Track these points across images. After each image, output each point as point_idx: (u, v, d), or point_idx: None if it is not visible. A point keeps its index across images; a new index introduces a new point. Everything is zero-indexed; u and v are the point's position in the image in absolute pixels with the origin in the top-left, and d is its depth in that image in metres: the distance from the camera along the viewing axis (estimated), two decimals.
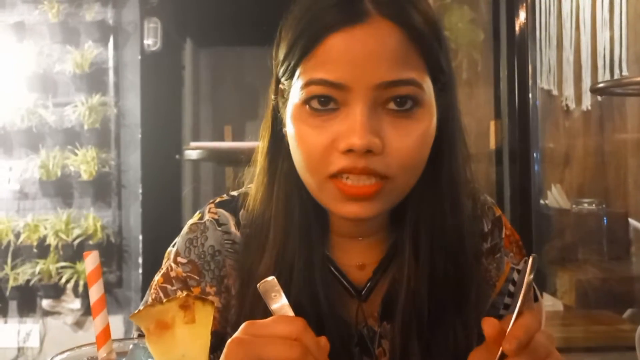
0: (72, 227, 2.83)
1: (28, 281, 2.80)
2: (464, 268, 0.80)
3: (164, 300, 0.41)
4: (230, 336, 0.79)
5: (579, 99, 3.25)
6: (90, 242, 2.84)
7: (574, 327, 2.59)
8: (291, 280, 0.77)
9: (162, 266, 0.85)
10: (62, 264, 2.79)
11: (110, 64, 2.91)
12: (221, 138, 3.52)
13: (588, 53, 3.25)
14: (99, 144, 2.89)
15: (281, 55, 0.76)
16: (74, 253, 2.81)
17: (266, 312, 0.68)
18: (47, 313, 2.94)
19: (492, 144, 2.18)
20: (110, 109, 2.89)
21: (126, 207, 2.95)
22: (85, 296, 2.99)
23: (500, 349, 0.60)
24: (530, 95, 2.12)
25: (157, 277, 0.84)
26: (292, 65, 0.73)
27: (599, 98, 3.05)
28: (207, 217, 0.85)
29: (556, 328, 2.52)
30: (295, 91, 0.72)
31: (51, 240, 2.76)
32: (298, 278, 0.77)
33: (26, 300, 2.90)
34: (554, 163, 3.17)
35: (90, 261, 0.42)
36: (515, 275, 0.88)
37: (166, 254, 0.86)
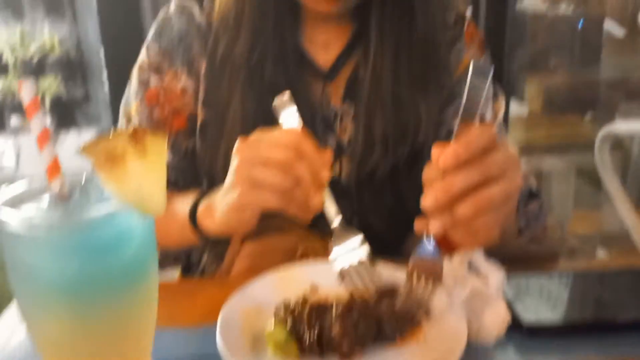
0: (29, 43, 2.69)
1: None
2: (428, 49, 0.84)
3: (112, 133, 0.39)
4: (200, 115, 0.86)
5: None
6: (50, 59, 2.72)
7: (537, 130, 2.68)
8: (265, 63, 0.81)
9: (138, 59, 0.90)
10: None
11: None
12: None
13: None
14: None
15: None
16: (34, 70, 2.71)
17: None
18: (17, 131, 2.92)
19: None
20: None
21: (82, 19, 2.78)
22: (53, 112, 2.95)
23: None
24: None
25: (134, 69, 0.90)
26: None
27: None
28: (172, 8, 0.90)
29: (520, 132, 2.60)
30: None
31: (8, 57, 2.64)
32: (273, 62, 0.81)
33: None
34: None
35: (26, 91, 0.39)
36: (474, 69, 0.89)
37: (140, 55, 0.91)
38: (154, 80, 0.88)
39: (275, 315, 0.60)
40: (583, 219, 2.50)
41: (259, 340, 0.59)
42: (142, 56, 0.90)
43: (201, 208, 0.74)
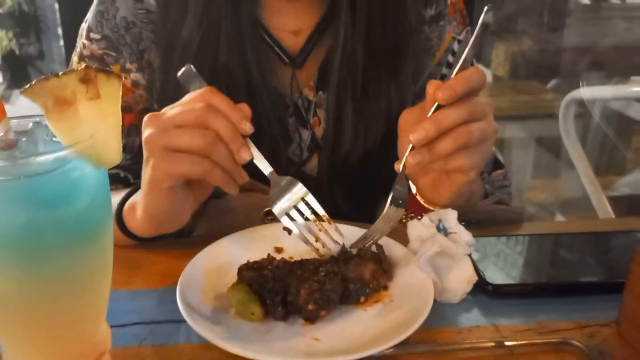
0: None
1: None
2: (402, 34, 0.78)
3: (60, 73, 0.35)
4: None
5: None
6: (0, 10, 2.59)
7: (501, 97, 2.70)
8: (218, 44, 0.72)
9: (77, 44, 0.79)
10: None
11: None
12: None
13: None
14: None
15: None
16: None
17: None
18: None
19: None
20: None
21: None
22: (6, 69, 2.82)
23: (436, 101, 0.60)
24: None
25: (74, 57, 0.79)
26: None
27: None
28: None
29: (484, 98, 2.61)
30: None
31: None
32: (225, 41, 0.72)
33: None
34: None
35: None
36: (456, 46, 0.86)
37: (79, 31, 0.79)
38: None
39: (239, 274, 0.58)
40: (542, 186, 2.55)
41: (222, 300, 0.57)
42: (82, 44, 0.78)
43: (127, 206, 0.66)
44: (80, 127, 0.36)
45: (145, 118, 0.59)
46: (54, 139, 0.38)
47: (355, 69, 0.76)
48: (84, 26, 0.79)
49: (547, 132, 2.50)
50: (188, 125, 0.57)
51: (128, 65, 0.78)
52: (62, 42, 2.75)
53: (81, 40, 0.79)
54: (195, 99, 0.59)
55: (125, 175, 0.79)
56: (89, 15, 0.79)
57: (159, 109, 0.77)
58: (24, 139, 0.38)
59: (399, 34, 0.78)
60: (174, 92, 0.68)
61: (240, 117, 0.59)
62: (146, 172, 0.60)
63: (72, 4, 2.69)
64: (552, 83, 2.75)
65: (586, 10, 2.73)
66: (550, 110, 2.26)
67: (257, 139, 0.61)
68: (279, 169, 0.63)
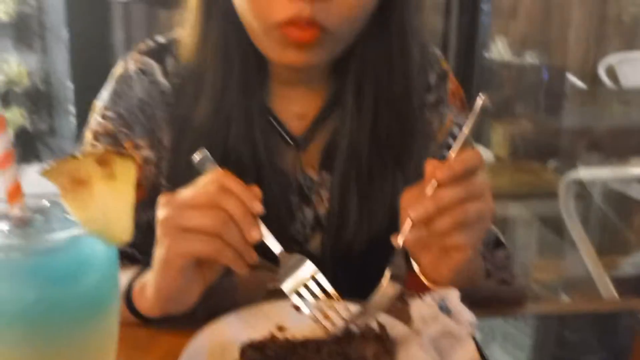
0: None
1: None
2: (408, 120, 0.80)
3: (79, 155, 0.37)
4: (164, 189, 0.78)
5: None
6: (17, 89, 2.68)
7: (502, 177, 2.74)
8: (229, 130, 0.75)
9: (90, 121, 0.81)
10: None
11: None
12: None
13: None
14: None
15: None
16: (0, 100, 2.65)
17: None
18: None
19: None
20: None
21: (51, 51, 2.75)
22: (17, 145, 2.89)
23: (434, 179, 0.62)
24: None
25: (87, 134, 0.81)
26: None
27: None
28: (131, 67, 0.80)
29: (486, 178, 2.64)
30: None
31: None
32: (237, 127, 0.75)
33: None
34: (501, 14, 3.11)
35: None
36: (457, 130, 0.88)
37: (93, 108, 0.82)
38: None
39: (242, 354, 0.58)
40: (545, 266, 2.54)
41: None
42: (97, 121, 0.80)
43: (136, 287, 0.66)
44: (94, 206, 0.37)
45: (160, 199, 0.61)
46: (67, 217, 0.39)
47: (360, 155, 0.78)
48: (99, 104, 0.82)
49: (549, 211, 2.51)
50: (201, 206, 0.59)
51: (140, 142, 0.79)
52: (72, 120, 2.83)
53: (95, 117, 0.81)
54: (208, 181, 0.61)
55: (132, 252, 0.80)
56: (104, 94, 0.81)
57: (167, 186, 0.79)
58: (38, 217, 0.40)
59: (404, 120, 0.80)
60: (184, 171, 0.70)
61: (251, 197, 0.61)
62: (159, 252, 0.61)
63: (86, 82, 2.79)
64: (552, 163, 2.79)
65: (583, 94, 2.81)
66: (551, 189, 2.28)
67: (263, 217, 0.63)
68: (282, 247, 0.64)
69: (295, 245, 0.82)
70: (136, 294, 0.66)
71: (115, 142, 0.79)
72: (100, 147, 0.79)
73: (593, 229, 2.21)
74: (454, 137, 0.88)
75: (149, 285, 0.63)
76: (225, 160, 0.71)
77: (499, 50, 2.25)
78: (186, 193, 0.61)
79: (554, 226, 2.38)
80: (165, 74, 0.80)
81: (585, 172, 1.74)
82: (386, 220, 0.79)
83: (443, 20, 2.06)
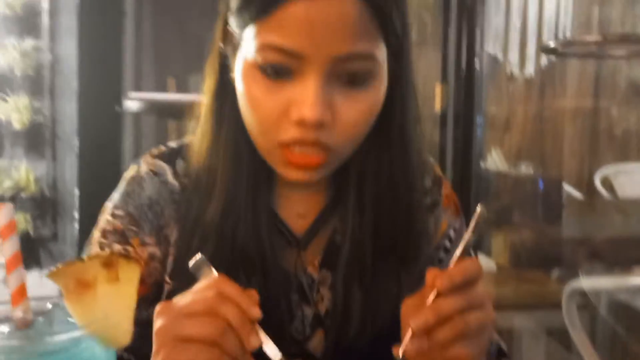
0: (3, 179, 2.70)
1: None
2: (409, 220, 0.81)
3: (85, 258, 0.38)
4: (168, 284, 0.80)
5: (523, 65, 3.31)
6: (23, 195, 2.72)
7: (504, 286, 2.70)
8: (237, 229, 0.77)
9: (99, 221, 0.83)
10: None
11: (45, 6, 2.73)
12: (164, 91, 3.40)
13: (534, 20, 3.29)
14: (31, 91, 2.73)
15: (233, 3, 0.72)
16: None
17: (212, 262, 0.68)
18: None
19: (437, 106, 2.18)
20: (44, 54, 2.73)
21: (61, 159, 2.83)
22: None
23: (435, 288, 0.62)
24: (476, 60, 2.13)
25: (95, 233, 0.83)
26: (246, 19, 0.69)
27: (545, 61, 3.10)
28: (143, 169, 0.84)
29: (488, 287, 2.61)
30: (249, 48, 0.69)
31: None
32: (245, 227, 0.77)
33: None
34: (496, 127, 3.23)
35: (4, 215, 0.39)
36: (452, 232, 0.91)
37: (102, 209, 0.84)
38: (116, 248, 0.80)
39: None
40: None
41: None
42: (106, 220, 0.83)
43: None
44: (97, 308, 0.38)
45: (157, 308, 0.61)
46: (69, 319, 0.39)
47: (362, 254, 0.79)
48: (109, 204, 0.84)
49: (555, 322, 2.45)
50: (199, 315, 0.59)
51: (147, 239, 0.81)
52: (76, 225, 2.85)
53: (105, 216, 0.83)
54: (205, 287, 0.61)
55: (129, 357, 0.78)
56: (115, 195, 0.84)
57: (170, 282, 0.80)
58: (40, 319, 0.40)
59: (405, 220, 0.81)
60: (189, 269, 0.71)
61: (249, 303, 0.60)
62: None
63: (92, 190, 2.84)
64: (555, 273, 2.77)
65: (581, 204, 2.85)
66: (556, 300, 2.25)
67: (263, 317, 0.62)
68: (282, 346, 0.63)
69: (294, 344, 0.81)
70: None
71: (123, 239, 0.80)
72: (107, 243, 0.80)
73: (600, 341, 2.15)
74: (450, 240, 0.90)
75: None
76: (233, 258, 0.74)
77: (494, 161, 2.31)
78: (183, 300, 0.60)
79: (562, 338, 2.32)
80: (175, 175, 0.83)
81: (588, 282, 1.73)
82: (389, 319, 0.78)
83: (439, 132, 2.14)
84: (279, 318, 0.79)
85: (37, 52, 2.68)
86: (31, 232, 2.78)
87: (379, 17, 0.67)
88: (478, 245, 2.18)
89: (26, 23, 2.69)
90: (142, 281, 0.80)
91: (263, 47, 0.67)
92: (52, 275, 0.37)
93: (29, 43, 2.64)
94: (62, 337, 0.37)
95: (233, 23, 0.72)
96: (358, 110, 0.70)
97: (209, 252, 0.73)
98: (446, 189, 0.92)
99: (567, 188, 2.52)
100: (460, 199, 0.96)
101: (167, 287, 0.81)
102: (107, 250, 0.79)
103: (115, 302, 0.38)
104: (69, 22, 2.72)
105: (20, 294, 0.39)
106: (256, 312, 0.60)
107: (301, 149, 0.70)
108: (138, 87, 3.36)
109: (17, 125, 2.65)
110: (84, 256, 0.38)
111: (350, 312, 0.79)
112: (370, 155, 0.78)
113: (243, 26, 0.70)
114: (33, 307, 0.40)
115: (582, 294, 1.75)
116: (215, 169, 0.78)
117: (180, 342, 0.58)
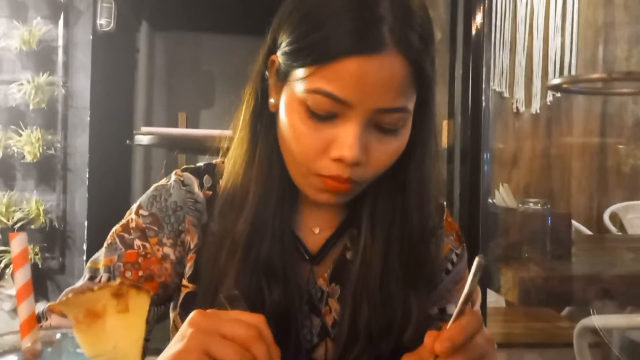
0: (13, 211, 2.72)
1: None
2: (419, 243, 0.85)
3: (95, 287, 0.39)
4: (186, 287, 0.84)
5: (529, 102, 3.34)
6: (32, 227, 2.74)
7: (515, 324, 2.67)
8: (262, 245, 0.81)
9: (123, 219, 0.88)
10: (2, 248, 2.68)
11: (60, 42, 2.79)
12: (175, 125, 3.44)
13: (540, 57, 3.33)
14: (44, 125, 2.78)
15: (285, 37, 0.76)
16: None
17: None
18: None
19: (445, 143, 2.20)
20: (58, 89, 2.78)
21: (71, 191, 2.86)
22: None
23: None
24: (483, 97, 2.15)
25: (116, 227, 0.87)
26: (299, 62, 0.73)
27: (550, 98, 3.12)
28: (172, 178, 0.89)
29: (498, 324, 2.58)
30: (298, 87, 0.73)
31: None
32: (271, 242, 0.81)
33: None
34: (503, 163, 3.24)
35: (17, 243, 0.40)
36: (454, 256, 0.94)
37: (129, 210, 0.88)
38: (136, 244, 0.84)
39: None
40: None
41: None
42: (130, 218, 0.87)
43: None
44: (106, 338, 0.38)
45: (193, 315, 0.61)
46: (77, 350, 0.40)
47: (371, 272, 0.82)
48: (135, 205, 0.88)
49: None
50: (235, 340, 0.59)
51: (164, 240, 0.85)
52: (84, 257, 2.86)
53: (129, 215, 0.87)
54: (249, 319, 0.62)
55: None
56: (143, 197, 0.89)
57: (189, 285, 0.84)
58: (49, 349, 0.40)
59: (417, 242, 0.84)
60: (216, 277, 0.79)
61: (277, 354, 0.61)
62: (175, 348, 0.59)
63: (101, 222, 2.86)
64: (566, 311, 2.73)
65: (590, 241, 2.83)
66: (567, 338, 2.21)
67: (278, 327, 0.64)
68: (289, 353, 0.64)
69: (301, 353, 0.84)
70: None
71: (142, 236, 0.84)
72: (127, 238, 0.84)
73: None
74: (452, 263, 0.94)
75: None
76: (256, 270, 0.78)
77: (502, 197, 2.31)
78: (226, 317, 0.61)
79: None
80: (201, 187, 0.88)
81: (599, 320, 1.70)
82: (393, 342, 0.81)
83: (447, 169, 2.15)
84: (291, 327, 0.82)
85: (51, 86, 2.74)
86: (39, 264, 2.79)
87: (418, 75, 0.73)
88: (487, 282, 2.16)
89: (41, 59, 2.75)
90: (152, 280, 0.84)
91: (314, 91, 0.72)
92: (62, 305, 0.38)
93: (43, 78, 2.70)
94: None
95: (282, 58, 0.76)
96: (388, 153, 0.76)
97: (235, 261, 0.79)
98: (448, 216, 0.96)
99: (576, 224, 2.51)
100: (468, 235, 0.98)
101: (184, 290, 0.85)
102: (119, 246, 0.83)
103: (124, 332, 0.38)
104: (83, 59, 2.79)
105: (30, 323, 0.40)
106: None
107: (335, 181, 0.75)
108: (149, 123, 3.42)
109: (29, 157, 2.69)
110: (94, 286, 0.39)
111: (357, 325, 0.81)
112: (386, 180, 0.82)
113: (294, 66, 0.74)
114: (42, 337, 0.41)
115: (594, 331, 1.72)
116: (247, 187, 0.83)
117: (204, 354, 0.58)
